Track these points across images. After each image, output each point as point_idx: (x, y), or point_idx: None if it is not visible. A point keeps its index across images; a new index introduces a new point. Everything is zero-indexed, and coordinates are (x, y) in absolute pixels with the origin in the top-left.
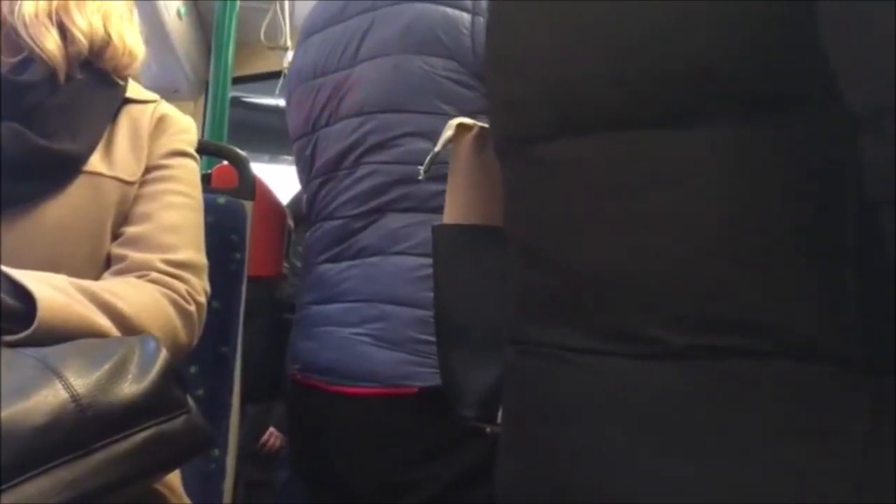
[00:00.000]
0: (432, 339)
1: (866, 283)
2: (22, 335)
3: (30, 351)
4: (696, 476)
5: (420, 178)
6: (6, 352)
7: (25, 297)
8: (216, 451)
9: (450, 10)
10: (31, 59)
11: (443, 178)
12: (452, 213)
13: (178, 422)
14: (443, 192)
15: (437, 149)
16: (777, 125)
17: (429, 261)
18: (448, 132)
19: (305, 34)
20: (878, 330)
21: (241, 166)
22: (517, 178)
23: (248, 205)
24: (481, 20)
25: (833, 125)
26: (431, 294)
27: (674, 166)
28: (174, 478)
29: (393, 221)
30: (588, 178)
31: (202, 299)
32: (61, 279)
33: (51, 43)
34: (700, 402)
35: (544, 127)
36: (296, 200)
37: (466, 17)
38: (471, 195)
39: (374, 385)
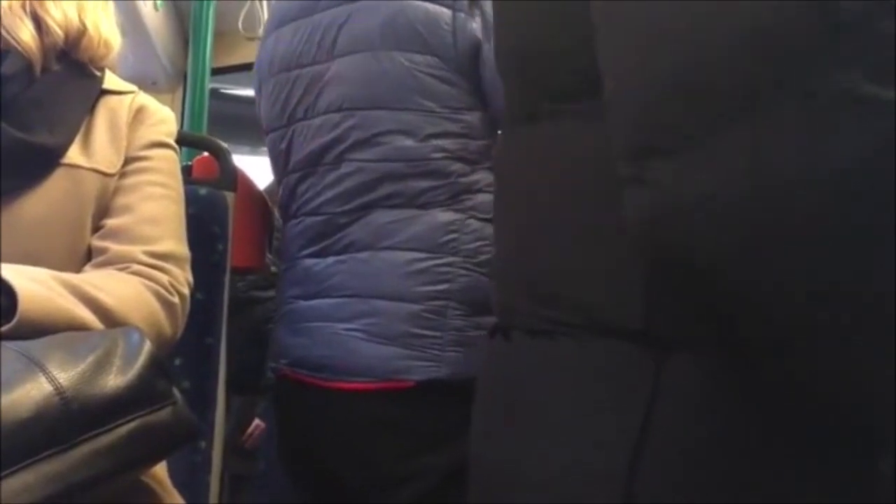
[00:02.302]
0: (426, 333)
1: (651, 261)
2: (3, 329)
3: (11, 344)
4: (519, 453)
5: None
6: None
7: (5, 291)
8: (202, 444)
9: (430, 6)
10: (7, 51)
11: (429, 175)
12: None
13: (164, 413)
14: (431, 189)
15: None
16: (590, 113)
17: (419, 255)
18: None
19: (276, 23)
20: (663, 307)
21: (221, 157)
22: None
23: (230, 196)
24: (462, 16)
25: None
26: (423, 288)
27: (529, 157)
28: (161, 470)
29: (381, 217)
30: (499, 170)
31: (185, 291)
32: (42, 272)
33: (26, 34)
34: (534, 378)
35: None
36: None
37: (447, 12)
38: None
39: (369, 380)
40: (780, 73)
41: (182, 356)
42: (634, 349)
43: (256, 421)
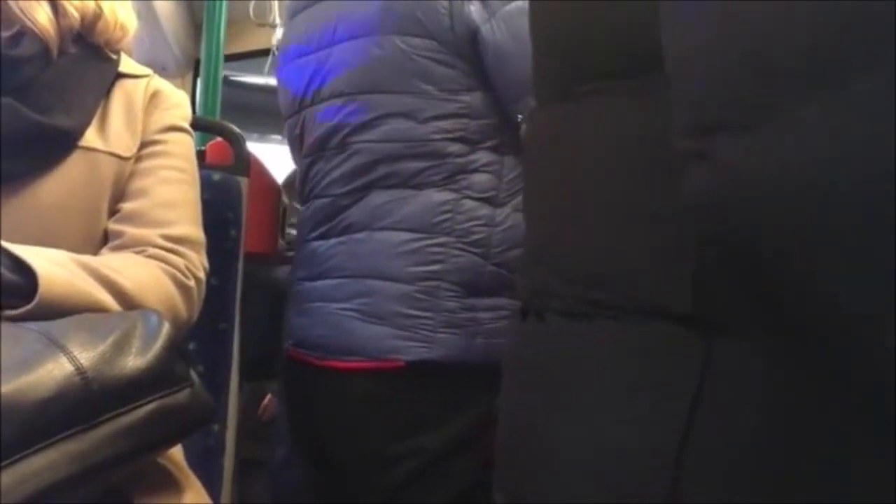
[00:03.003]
0: (417, 313)
1: (701, 243)
2: (23, 309)
3: (32, 325)
4: (556, 438)
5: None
6: (8, 326)
7: (26, 272)
8: (215, 427)
9: None
10: (24, 33)
11: (425, 156)
12: None
13: (182, 395)
14: (426, 169)
15: None
16: (639, 91)
17: (412, 235)
18: None
19: (292, 12)
20: (714, 289)
21: (235, 142)
22: None
23: (244, 181)
24: (458, 1)
25: None
26: (416, 269)
27: (565, 136)
28: (177, 453)
29: (377, 198)
30: (530, 149)
31: (201, 274)
32: (61, 254)
33: (42, 17)
34: (571, 361)
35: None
36: (292, 178)
37: None
38: None
39: (362, 359)
40: (867, 48)
41: (196, 341)
42: (681, 332)
43: (269, 395)
